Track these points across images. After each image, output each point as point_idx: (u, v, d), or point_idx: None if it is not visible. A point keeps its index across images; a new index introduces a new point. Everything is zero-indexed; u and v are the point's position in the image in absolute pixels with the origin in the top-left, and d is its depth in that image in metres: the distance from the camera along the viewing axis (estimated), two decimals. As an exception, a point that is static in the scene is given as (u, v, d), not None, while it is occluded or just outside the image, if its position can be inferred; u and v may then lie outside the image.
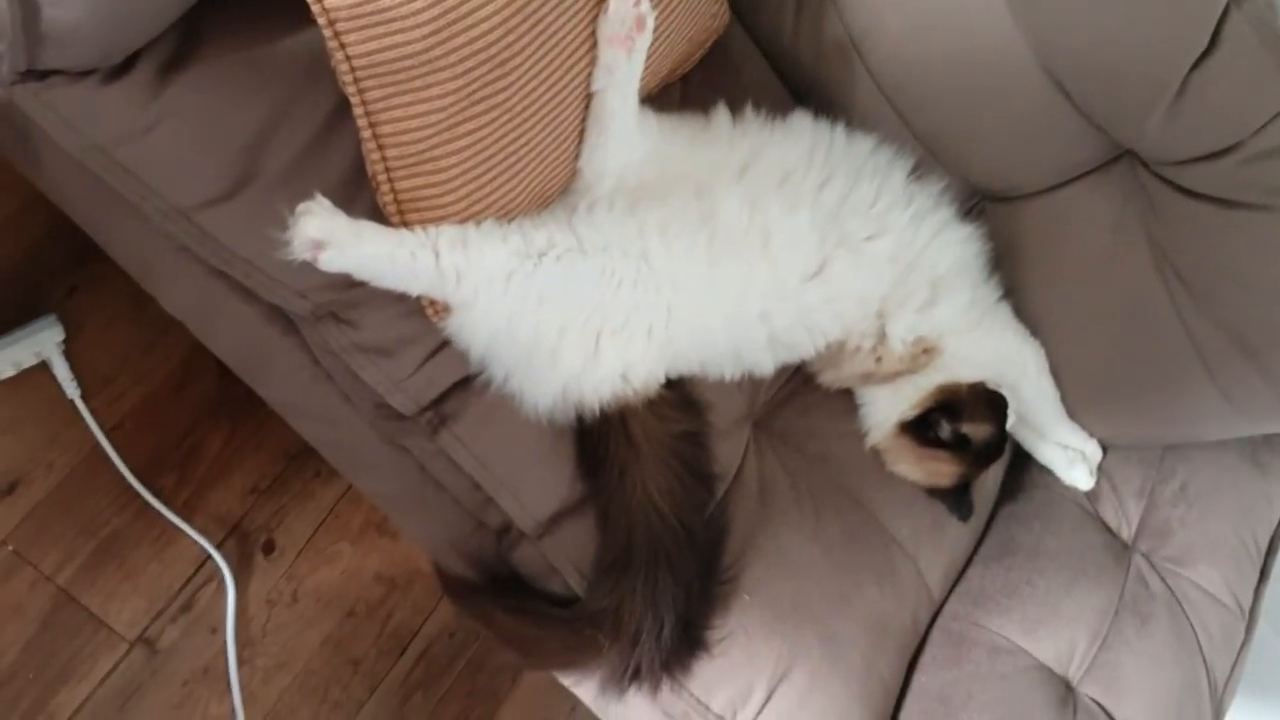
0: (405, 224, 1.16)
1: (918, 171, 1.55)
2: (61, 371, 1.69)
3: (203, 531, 1.80)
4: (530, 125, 1.15)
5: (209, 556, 1.81)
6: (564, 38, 1.13)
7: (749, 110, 1.46)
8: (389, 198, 1.15)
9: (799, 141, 1.45)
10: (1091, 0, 1.31)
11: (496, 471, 1.35)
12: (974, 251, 1.57)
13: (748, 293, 1.38)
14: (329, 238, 1.09)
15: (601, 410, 1.33)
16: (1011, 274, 1.64)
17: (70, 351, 1.71)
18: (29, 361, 1.66)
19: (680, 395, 1.43)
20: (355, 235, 1.11)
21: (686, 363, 1.42)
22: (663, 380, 1.39)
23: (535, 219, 1.25)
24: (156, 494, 1.77)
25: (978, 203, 1.69)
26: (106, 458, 1.73)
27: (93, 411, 1.72)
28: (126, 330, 1.77)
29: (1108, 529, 1.76)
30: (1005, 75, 1.45)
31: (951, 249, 1.53)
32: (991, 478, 1.74)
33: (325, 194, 1.13)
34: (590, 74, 1.20)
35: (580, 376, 1.30)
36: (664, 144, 1.37)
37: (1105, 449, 1.76)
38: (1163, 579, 1.71)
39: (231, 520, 1.85)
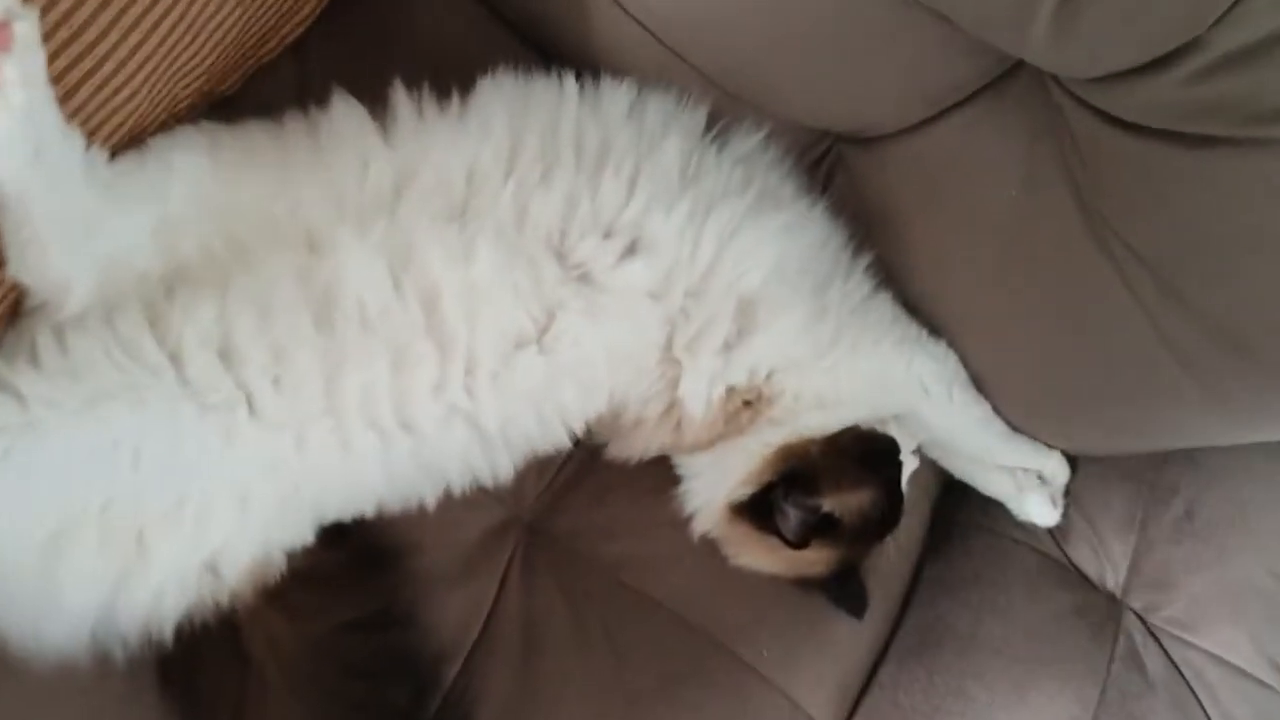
0: None
1: (717, 126, 0.99)
2: None
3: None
4: None
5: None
6: None
7: (401, 93, 0.91)
8: None
9: (488, 130, 0.91)
10: None
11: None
12: (806, 243, 1.02)
13: (414, 395, 0.87)
14: None
15: (181, 633, 0.85)
16: (891, 250, 1.09)
17: None
18: None
19: (349, 553, 0.94)
20: None
21: (341, 508, 0.92)
22: (305, 544, 0.90)
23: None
24: None
25: (830, 147, 1.12)
26: None
27: None
28: None
29: (1085, 580, 1.22)
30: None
31: (763, 248, 0.97)
32: (904, 529, 1.20)
33: None
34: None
35: (119, 596, 0.82)
36: (227, 187, 0.85)
37: (1074, 464, 1.20)
38: (1164, 651, 1.18)
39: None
